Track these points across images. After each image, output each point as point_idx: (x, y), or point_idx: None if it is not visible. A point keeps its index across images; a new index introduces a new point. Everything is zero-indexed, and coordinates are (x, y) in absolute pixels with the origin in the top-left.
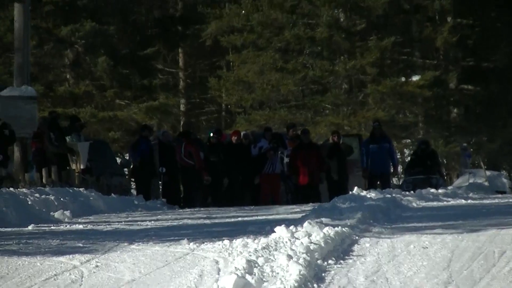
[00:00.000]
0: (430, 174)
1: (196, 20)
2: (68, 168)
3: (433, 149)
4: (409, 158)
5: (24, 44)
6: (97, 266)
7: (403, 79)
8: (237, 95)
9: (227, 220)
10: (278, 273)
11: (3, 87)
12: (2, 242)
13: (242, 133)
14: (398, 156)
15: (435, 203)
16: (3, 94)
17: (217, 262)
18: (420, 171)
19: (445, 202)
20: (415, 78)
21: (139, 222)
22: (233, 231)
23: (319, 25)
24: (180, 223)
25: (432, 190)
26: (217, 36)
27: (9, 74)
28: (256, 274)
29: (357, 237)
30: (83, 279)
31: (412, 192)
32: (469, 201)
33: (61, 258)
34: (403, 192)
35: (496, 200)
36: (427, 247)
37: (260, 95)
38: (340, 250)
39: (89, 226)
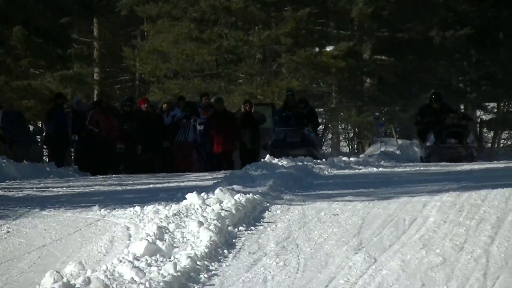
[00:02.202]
0: (307, 129)
1: None
2: None
3: (312, 108)
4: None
5: None
6: (8, 231)
7: (317, 49)
8: (151, 65)
9: (139, 187)
10: (188, 239)
11: None
12: None
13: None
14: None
15: (346, 171)
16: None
17: (128, 228)
18: (293, 124)
19: (356, 170)
20: (329, 48)
21: (50, 189)
22: (144, 198)
23: None
24: (91, 189)
25: (344, 158)
26: (132, 6)
27: None
28: (167, 240)
29: (268, 204)
30: None
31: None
32: (380, 169)
33: None
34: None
35: (408, 169)
36: (337, 214)
37: (175, 65)
38: (251, 217)
39: (1, 192)
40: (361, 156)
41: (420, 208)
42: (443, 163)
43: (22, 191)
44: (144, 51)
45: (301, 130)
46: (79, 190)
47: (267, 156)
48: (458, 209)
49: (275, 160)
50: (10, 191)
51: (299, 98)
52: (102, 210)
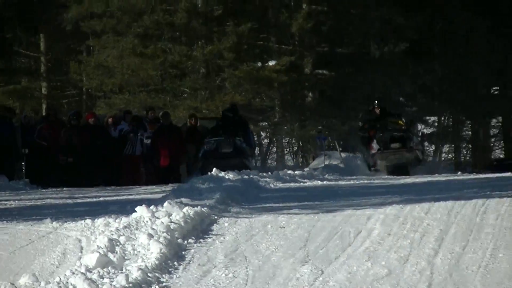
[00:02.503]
0: (238, 139)
1: (56, 4)
2: None
3: (243, 118)
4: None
5: None
6: None
7: (259, 64)
8: (97, 79)
9: (89, 200)
10: (139, 251)
11: None
12: None
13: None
14: (255, 139)
15: (292, 184)
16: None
17: (79, 241)
18: (226, 134)
19: (301, 183)
20: (271, 63)
21: (2, 202)
22: (95, 210)
23: (178, 11)
24: (43, 202)
25: (289, 171)
26: (78, 21)
27: None
28: (118, 252)
29: (216, 217)
30: None
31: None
32: (324, 182)
33: None
34: (260, 174)
35: (351, 182)
36: (284, 227)
37: (120, 80)
38: (200, 229)
39: None
40: (305, 169)
41: (364, 221)
42: (386, 176)
43: None
44: (90, 66)
45: (233, 140)
46: (31, 203)
47: (214, 169)
48: (402, 221)
49: (222, 173)
50: None
51: (226, 107)
52: (54, 222)
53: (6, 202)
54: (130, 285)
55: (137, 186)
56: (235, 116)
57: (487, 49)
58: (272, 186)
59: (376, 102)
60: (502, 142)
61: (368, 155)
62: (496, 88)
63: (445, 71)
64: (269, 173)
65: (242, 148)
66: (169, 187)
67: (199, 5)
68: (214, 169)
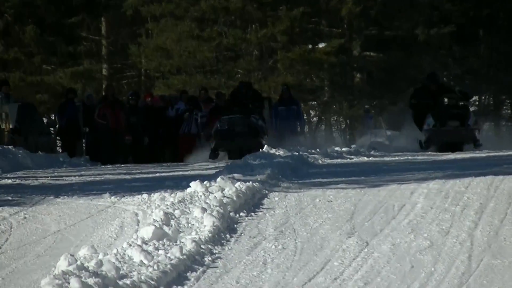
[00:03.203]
0: (254, 119)
1: None
2: None
3: (258, 92)
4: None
5: None
6: (25, 217)
7: (310, 46)
8: (156, 61)
9: (146, 175)
10: (193, 224)
11: None
12: None
13: (159, 95)
14: (305, 117)
15: (339, 160)
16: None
17: (136, 214)
18: (239, 111)
19: (348, 160)
20: (322, 45)
21: (64, 178)
22: (151, 186)
23: None
24: (102, 178)
25: (337, 148)
26: (138, 6)
27: None
28: (173, 225)
29: (266, 192)
30: (12, 229)
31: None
32: (370, 158)
33: None
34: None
35: (396, 158)
36: (331, 201)
37: (178, 61)
38: (251, 203)
39: (18, 181)
40: (352, 146)
41: (408, 195)
42: (434, 153)
43: (37, 180)
44: (149, 48)
45: (248, 119)
46: (91, 179)
47: (265, 146)
48: (444, 195)
49: (273, 150)
50: (26, 180)
51: (240, 83)
52: (112, 197)
53: (68, 178)
54: (184, 256)
55: (192, 163)
56: (248, 91)
57: None
58: (320, 162)
59: (428, 76)
60: None
61: (421, 131)
62: None
63: (490, 54)
64: (318, 150)
65: (257, 126)
66: (223, 164)
67: None
68: (266, 145)
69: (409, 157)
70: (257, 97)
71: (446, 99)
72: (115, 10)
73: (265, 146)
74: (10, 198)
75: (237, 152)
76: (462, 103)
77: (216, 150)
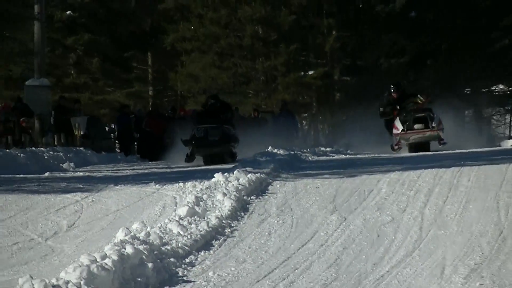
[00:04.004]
0: (225, 127)
1: (160, 32)
2: (73, 134)
3: (225, 102)
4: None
5: (41, 49)
6: (92, 200)
7: (302, 73)
8: (187, 85)
9: (181, 169)
10: (216, 205)
11: (27, 79)
12: (27, 184)
13: (191, 110)
14: (299, 126)
15: (324, 157)
16: (27, 84)
17: (175, 198)
18: (212, 121)
19: (331, 157)
20: (311, 72)
21: (121, 171)
22: (185, 176)
23: (245, 36)
24: (149, 171)
25: (322, 148)
26: (174, 43)
27: (31, 71)
28: (201, 206)
29: (270, 181)
30: (82, 209)
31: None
32: (347, 156)
33: (68, 195)
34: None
35: (366, 155)
36: (318, 187)
37: (204, 85)
38: (259, 189)
39: (87, 174)
40: (334, 147)
41: (375, 182)
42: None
43: (101, 172)
44: (183, 75)
45: (221, 128)
46: (140, 172)
47: (269, 147)
48: (401, 183)
49: (275, 150)
50: (93, 173)
51: (208, 95)
52: (157, 185)
53: (124, 171)
54: (210, 229)
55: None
56: (217, 103)
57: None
58: (310, 159)
59: (392, 86)
60: None
61: (391, 135)
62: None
63: (436, 77)
64: (308, 149)
65: (229, 135)
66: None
67: (260, 32)
68: (270, 147)
69: (376, 155)
70: (225, 107)
71: (410, 104)
72: (158, 46)
73: (270, 147)
74: (81, 186)
75: (210, 158)
76: (426, 106)
77: (192, 155)
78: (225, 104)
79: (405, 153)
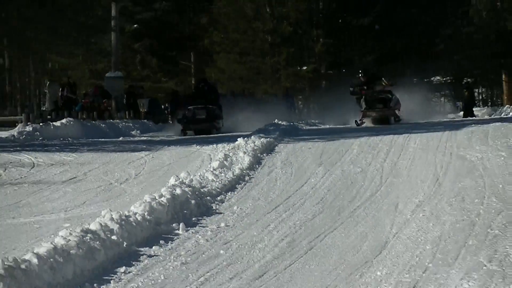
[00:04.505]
0: (209, 105)
1: (199, 38)
2: (139, 111)
3: (212, 85)
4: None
5: (116, 51)
6: (152, 157)
7: (298, 68)
8: (218, 76)
9: (214, 136)
10: (239, 160)
11: (107, 72)
12: (107, 145)
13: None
14: (296, 105)
15: (314, 127)
16: (107, 76)
17: (210, 155)
18: (200, 102)
19: (320, 126)
20: (304, 68)
21: (172, 137)
22: (217, 141)
23: (257, 41)
24: (192, 137)
25: (313, 121)
26: (208, 46)
27: (109, 66)
28: (229, 161)
29: (276, 143)
30: (145, 163)
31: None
32: (330, 126)
33: (135, 153)
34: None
35: (342, 126)
36: (310, 148)
37: (229, 76)
38: (269, 149)
39: (149, 138)
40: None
41: (349, 145)
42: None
43: (158, 137)
44: (215, 68)
45: (206, 108)
46: (186, 137)
47: (275, 119)
48: (368, 145)
49: (280, 122)
50: (153, 138)
51: (198, 79)
52: (198, 146)
53: (174, 137)
54: (234, 177)
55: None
56: (205, 86)
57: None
58: (304, 128)
59: (361, 71)
60: None
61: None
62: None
63: (403, 71)
64: (303, 121)
65: (213, 113)
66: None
67: (268, 39)
68: (276, 119)
69: (348, 126)
70: (212, 90)
71: (375, 86)
72: (197, 48)
73: (275, 120)
74: (144, 147)
75: (199, 132)
76: (387, 88)
77: (184, 130)
78: (212, 87)
79: (371, 125)
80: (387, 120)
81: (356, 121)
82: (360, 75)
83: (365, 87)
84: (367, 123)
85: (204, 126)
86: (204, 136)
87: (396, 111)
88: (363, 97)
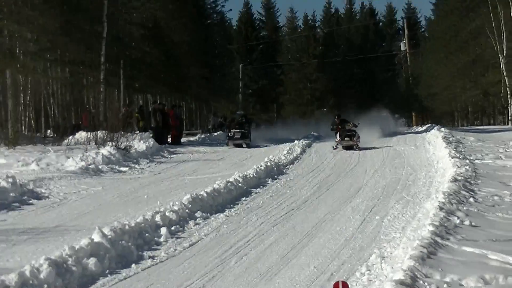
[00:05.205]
0: (243, 131)
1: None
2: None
3: (249, 118)
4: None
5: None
6: (254, 150)
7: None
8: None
9: (280, 141)
10: (295, 150)
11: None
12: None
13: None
14: None
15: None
16: (237, 113)
17: (282, 148)
18: (238, 127)
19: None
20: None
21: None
22: (284, 142)
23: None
24: (271, 140)
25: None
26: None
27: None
28: (290, 150)
29: (312, 143)
30: (252, 151)
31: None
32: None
33: (244, 148)
34: None
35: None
36: (333, 147)
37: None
38: (308, 146)
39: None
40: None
41: (350, 153)
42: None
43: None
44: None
45: (243, 130)
46: (269, 140)
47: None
48: (351, 151)
49: (312, 133)
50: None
51: (236, 113)
52: (272, 145)
53: (251, 143)
54: (293, 157)
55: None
56: (242, 117)
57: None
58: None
59: (336, 115)
60: None
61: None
62: None
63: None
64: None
65: (246, 134)
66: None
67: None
68: (312, 132)
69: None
70: (246, 119)
71: (345, 126)
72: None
73: (311, 132)
74: (244, 146)
75: (238, 145)
76: (352, 128)
77: (228, 144)
78: (246, 118)
79: (341, 149)
80: (352, 147)
81: (333, 146)
82: (335, 118)
83: (339, 126)
84: (340, 148)
85: (239, 142)
86: (278, 142)
87: (357, 143)
88: (338, 132)
